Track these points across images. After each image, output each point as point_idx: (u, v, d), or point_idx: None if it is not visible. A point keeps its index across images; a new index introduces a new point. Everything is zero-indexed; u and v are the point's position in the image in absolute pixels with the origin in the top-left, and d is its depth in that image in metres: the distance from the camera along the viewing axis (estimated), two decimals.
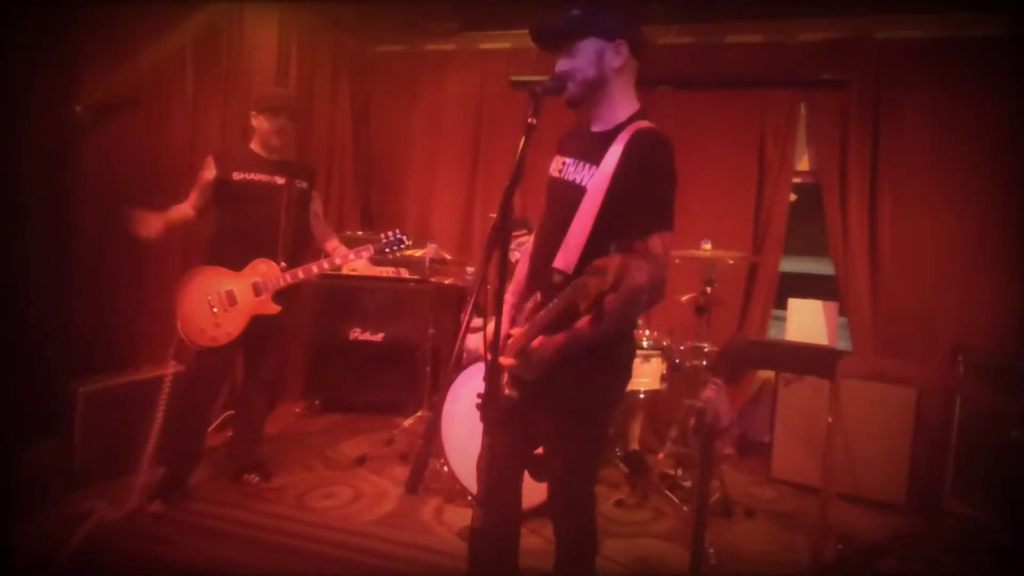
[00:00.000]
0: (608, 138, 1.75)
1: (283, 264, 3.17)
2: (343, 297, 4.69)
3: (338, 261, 3.21)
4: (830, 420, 3.20)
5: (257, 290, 3.15)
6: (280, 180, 3.24)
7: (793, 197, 4.46)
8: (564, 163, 1.88)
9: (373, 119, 5.40)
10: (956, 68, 3.95)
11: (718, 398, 1.77)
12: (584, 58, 1.80)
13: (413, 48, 5.27)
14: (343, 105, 5.21)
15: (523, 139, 1.60)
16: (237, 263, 3.17)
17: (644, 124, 1.80)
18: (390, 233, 3.17)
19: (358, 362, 4.62)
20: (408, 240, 3.17)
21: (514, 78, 4.83)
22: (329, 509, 3.28)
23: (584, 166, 1.80)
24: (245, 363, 3.49)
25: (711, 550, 2.91)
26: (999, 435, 3.22)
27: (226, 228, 3.25)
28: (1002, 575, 2.42)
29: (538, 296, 1.77)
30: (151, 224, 3.11)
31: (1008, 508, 3.11)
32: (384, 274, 4.63)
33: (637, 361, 3.32)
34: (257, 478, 3.43)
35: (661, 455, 3.57)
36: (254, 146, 3.29)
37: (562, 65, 1.81)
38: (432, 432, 3.17)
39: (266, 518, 3.12)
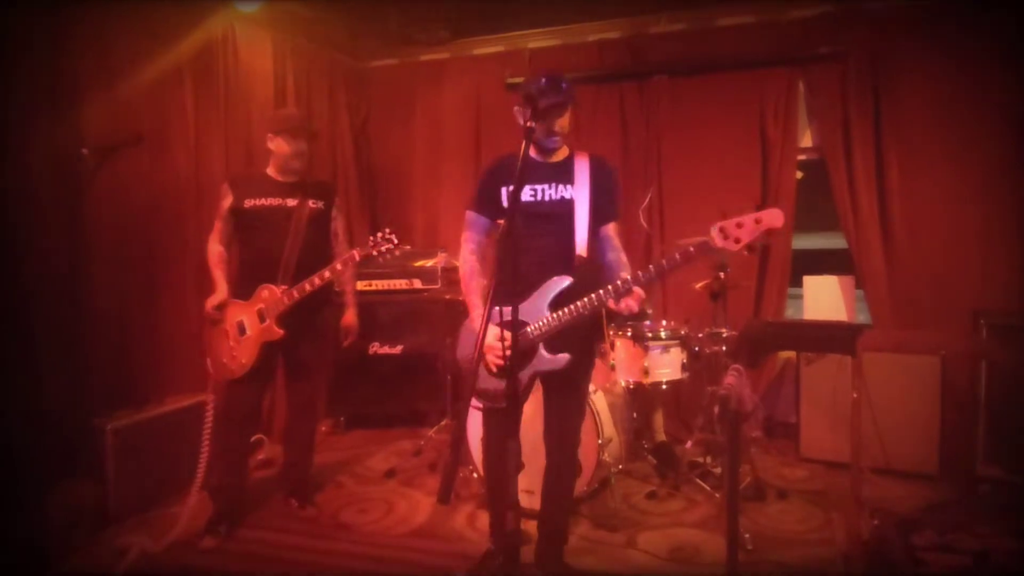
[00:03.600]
0: (567, 165, 2.48)
1: (284, 287, 3.11)
2: (361, 312, 4.67)
3: (327, 274, 3.09)
4: (855, 396, 3.19)
5: (261, 316, 3.13)
6: (292, 202, 3.22)
7: (799, 175, 4.44)
8: (537, 189, 2.44)
9: (373, 133, 5.44)
10: (952, 30, 3.93)
11: (740, 383, 1.77)
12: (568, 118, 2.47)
13: (407, 60, 5.31)
14: (342, 122, 5.24)
15: (524, 144, 1.70)
16: (247, 292, 3.18)
17: (587, 153, 2.55)
18: (379, 234, 3.08)
19: (379, 376, 4.65)
20: (396, 239, 3.06)
21: (509, 80, 4.85)
22: (363, 525, 3.30)
23: (559, 186, 2.44)
24: (285, 389, 3.53)
25: (746, 535, 2.91)
26: None
27: (240, 257, 3.29)
28: None
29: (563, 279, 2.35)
30: (218, 297, 3.18)
31: None
32: (398, 287, 4.66)
33: (657, 352, 3.33)
34: (296, 503, 3.43)
35: (689, 444, 3.56)
36: (270, 170, 3.29)
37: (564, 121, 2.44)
38: (458, 439, 3.16)
39: (303, 538, 3.15)
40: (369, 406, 4.77)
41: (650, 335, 3.36)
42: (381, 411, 4.77)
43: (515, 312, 1.83)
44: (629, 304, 2.21)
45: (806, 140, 4.45)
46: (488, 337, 2.31)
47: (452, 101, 5.17)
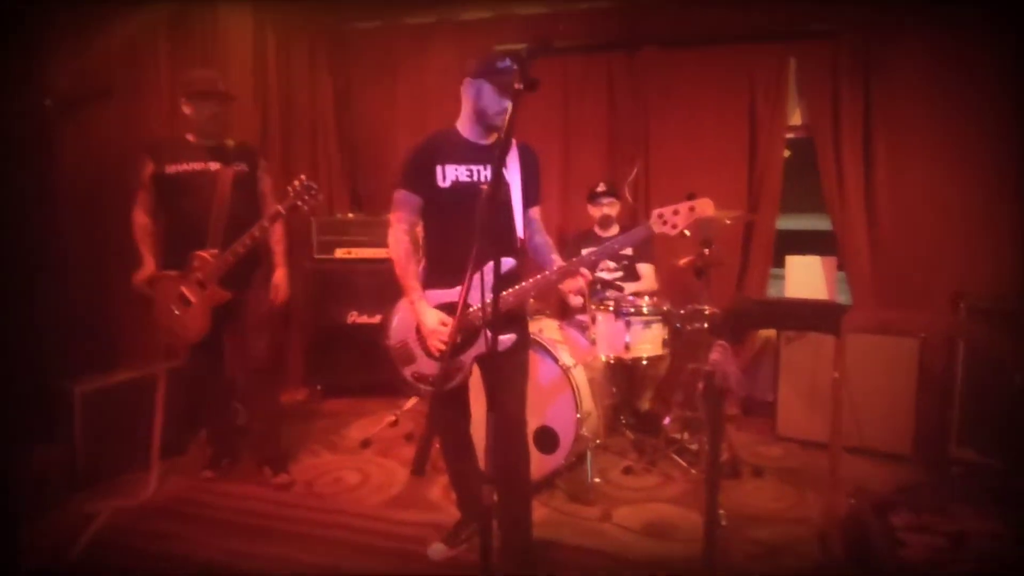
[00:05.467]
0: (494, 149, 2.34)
1: (214, 252, 3.06)
2: (339, 281, 4.65)
3: (256, 233, 3.03)
4: (836, 375, 3.19)
5: (201, 284, 3.09)
6: (215, 166, 3.14)
7: (786, 153, 4.40)
8: (473, 170, 2.36)
9: (356, 99, 5.29)
10: (947, 10, 3.87)
11: (725, 360, 1.75)
12: None
13: (391, 23, 5.15)
14: (324, 87, 5.11)
15: (510, 105, 1.70)
16: (179, 262, 3.13)
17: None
18: (296, 183, 2.97)
19: (358, 345, 4.58)
20: (315, 187, 2.96)
21: (498, 48, 4.71)
22: (338, 494, 3.26)
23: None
24: (238, 355, 3.44)
25: (721, 511, 2.90)
26: (1004, 381, 3.21)
27: (168, 227, 3.22)
28: (1017, 519, 2.42)
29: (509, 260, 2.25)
30: (145, 271, 3.17)
31: (1014, 454, 3.10)
32: (378, 255, 4.59)
33: (638, 327, 3.30)
34: (270, 472, 3.39)
35: (667, 420, 3.55)
36: (189, 135, 3.19)
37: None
38: (435, 411, 3.14)
39: (276, 507, 3.11)
40: (347, 376, 4.71)
41: (632, 310, 3.33)
42: (359, 381, 4.71)
43: (498, 277, 1.85)
44: (579, 285, 2.27)
45: (795, 118, 4.40)
46: (429, 320, 2.31)
47: (437, 67, 5.02)
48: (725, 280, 4.27)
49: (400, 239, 2.43)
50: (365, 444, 3.85)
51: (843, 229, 4.15)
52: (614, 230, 4.07)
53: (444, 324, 2.29)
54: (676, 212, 2.14)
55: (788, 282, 4.41)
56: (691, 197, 2.15)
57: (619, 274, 4.01)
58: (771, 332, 4.30)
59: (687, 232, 2.16)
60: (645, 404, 3.88)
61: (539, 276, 2.26)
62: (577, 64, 4.64)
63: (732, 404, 4.18)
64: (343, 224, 4.76)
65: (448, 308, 2.34)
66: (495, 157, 1.82)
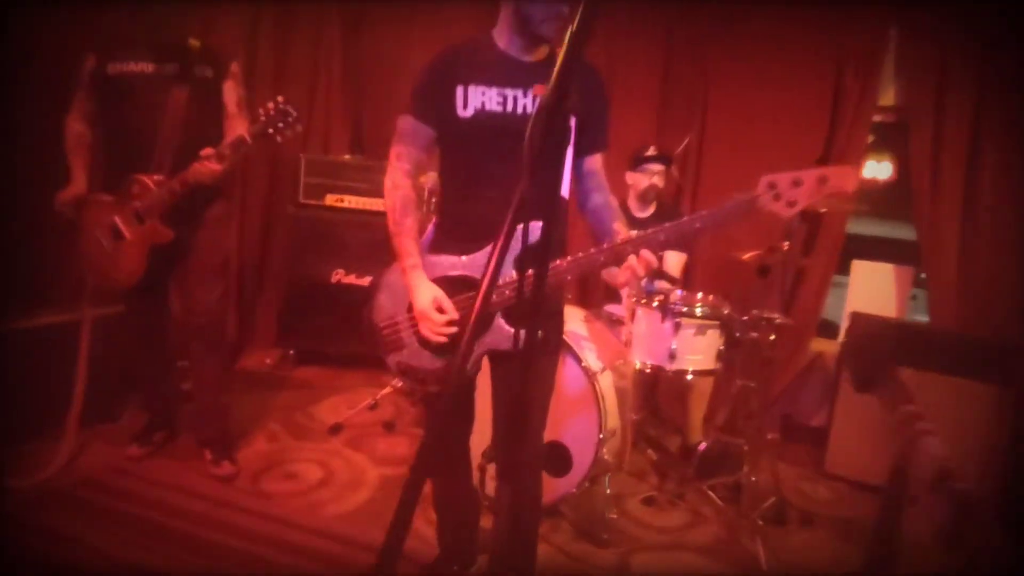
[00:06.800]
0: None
1: (158, 178, 2.42)
2: (325, 233, 3.98)
3: (214, 162, 2.36)
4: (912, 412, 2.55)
5: (139, 216, 2.45)
6: (170, 69, 2.47)
7: (870, 138, 3.70)
8: (507, 95, 1.69)
9: (366, 25, 4.56)
10: None
11: (937, 442, 1.10)
12: None
13: None
14: (331, 7, 4.37)
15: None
16: (113, 184, 2.50)
17: None
18: (270, 105, 2.36)
19: (341, 309, 3.92)
20: (295, 114, 2.36)
21: None
22: (289, 496, 2.63)
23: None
24: (179, 307, 2.80)
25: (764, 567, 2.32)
26: None
27: (106, 141, 2.57)
28: None
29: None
30: (72, 190, 2.54)
31: None
32: (374, 207, 3.91)
33: (689, 332, 2.62)
34: (210, 455, 2.76)
35: (703, 445, 2.90)
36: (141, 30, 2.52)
37: None
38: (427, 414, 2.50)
39: (206, 506, 2.47)
40: (326, 342, 4.07)
41: (684, 309, 2.63)
42: (338, 349, 4.08)
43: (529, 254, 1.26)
44: (634, 271, 1.54)
45: (886, 98, 3.68)
46: (421, 298, 1.68)
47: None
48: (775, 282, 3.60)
49: (399, 183, 1.77)
50: (335, 430, 3.23)
51: (930, 235, 3.45)
52: (651, 210, 3.35)
53: (440, 308, 1.67)
54: (798, 183, 1.47)
55: (851, 291, 3.76)
56: (822, 161, 1.49)
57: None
58: (827, 344, 3.66)
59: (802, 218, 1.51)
60: (695, 435, 3.14)
61: (585, 253, 1.58)
62: (628, 14, 3.92)
63: (772, 425, 3.54)
64: (337, 166, 4.06)
65: (452, 284, 1.70)
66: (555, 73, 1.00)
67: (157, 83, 2.45)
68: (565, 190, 1.65)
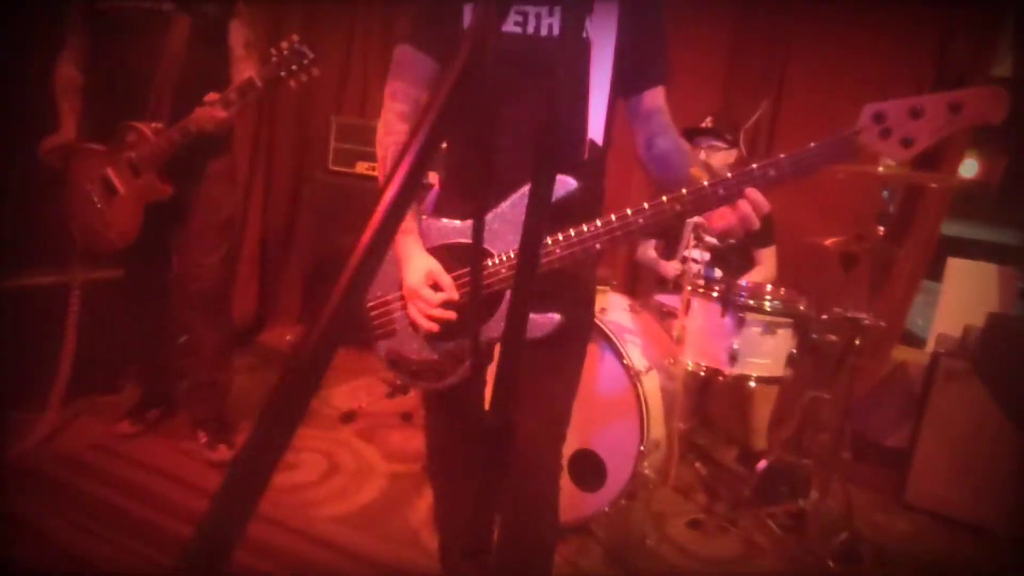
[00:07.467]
0: None
1: (155, 125, 2.16)
2: (352, 200, 3.66)
3: (219, 110, 2.10)
4: None
5: (135, 169, 2.19)
6: (168, 5, 2.19)
7: None
8: (526, 12, 1.32)
9: None
10: None
11: None
12: None
13: None
14: None
15: None
16: (104, 131, 2.24)
17: None
18: (283, 44, 2.10)
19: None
20: (311, 55, 2.09)
21: None
22: (286, 490, 2.33)
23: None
24: (176, 273, 2.53)
25: None
26: None
27: (97, 84, 2.30)
28: None
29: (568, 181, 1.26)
30: (59, 138, 2.28)
31: None
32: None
33: (755, 330, 2.20)
34: (205, 438, 2.50)
35: (762, 463, 2.48)
36: None
37: None
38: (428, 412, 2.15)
39: (193, 495, 2.20)
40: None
41: (750, 302, 2.21)
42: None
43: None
44: (744, 216, 1.13)
45: (1000, 70, 3.16)
46: (412, 273, 1.33)
47: None
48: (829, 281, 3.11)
49: (392, 127, 1.40)
50: (348, 418, 2.93)
51: None
52: None
53: (435, 283, 1.32)
54: (917, 113, 1.07)
55: (945, 294, 3.27)
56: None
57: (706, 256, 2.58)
58: (913, 354, 3.18)
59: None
60: (759, 441, 2.73)
61: (653, 203, 1.17)
62: None
63: (843, 445, 3.09)
64: (371, 132, 3.70)
65: (457, 253, 1.34)
66: None
67: (154, 19, 2.19)
68: (598, 133, 1.28)
